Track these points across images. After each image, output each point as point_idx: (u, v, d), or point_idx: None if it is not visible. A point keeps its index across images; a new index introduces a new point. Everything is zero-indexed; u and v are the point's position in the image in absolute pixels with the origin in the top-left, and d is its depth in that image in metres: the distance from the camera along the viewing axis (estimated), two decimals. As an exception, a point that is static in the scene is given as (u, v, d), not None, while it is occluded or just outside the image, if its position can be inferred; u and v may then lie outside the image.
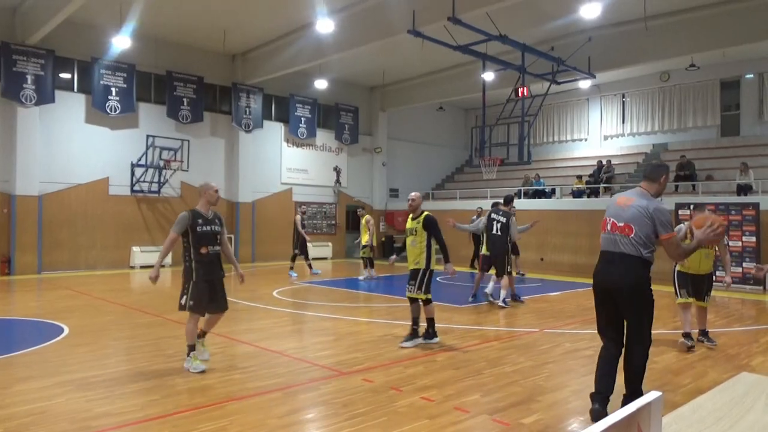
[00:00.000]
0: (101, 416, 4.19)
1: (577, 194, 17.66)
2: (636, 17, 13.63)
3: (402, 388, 4.98)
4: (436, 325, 6.94)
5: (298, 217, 14.88)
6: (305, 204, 19.84)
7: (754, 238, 13.14)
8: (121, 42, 14.19)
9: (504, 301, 9.72)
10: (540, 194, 18.33)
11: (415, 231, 6.74)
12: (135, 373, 5.42)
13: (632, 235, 3.98)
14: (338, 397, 4.75)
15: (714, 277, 7.05)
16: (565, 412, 4.54)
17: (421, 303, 6.77)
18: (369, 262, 13.74)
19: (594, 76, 15.64)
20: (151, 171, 16.18)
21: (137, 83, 16.01)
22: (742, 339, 7.38)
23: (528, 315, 9.15)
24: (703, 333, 6.98)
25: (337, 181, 20.91)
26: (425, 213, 6.79)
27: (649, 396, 1.28)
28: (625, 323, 4.12)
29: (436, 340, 6.84)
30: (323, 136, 20.60)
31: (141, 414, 4.25)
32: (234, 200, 18.11)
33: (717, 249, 6.88)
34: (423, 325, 6.90)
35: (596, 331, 4.37)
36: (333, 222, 20.90)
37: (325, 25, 13.43)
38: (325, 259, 19.57)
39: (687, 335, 6.70)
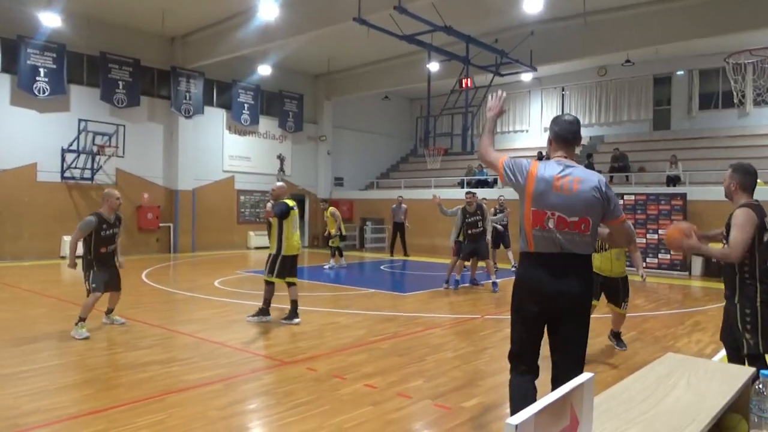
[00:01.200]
0: (31, 413, 3.99)
1: (518, 184, 18.08)
2: (576, 13, 14.03)
3: (345, 375, 4.99)
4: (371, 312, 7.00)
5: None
6: (247, 192, 19.52)
7: (680, 227, 13.86)
8: (50, 20, 13.40)
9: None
10: (482, 184, 18.69)
11: (271, 219, 7.38)
12: (68, 368, 5.19)
13: (589, 231, 2.90)
14: (281, 386, 4.71)
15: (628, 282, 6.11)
16: (504, 395, 4.64)
17: (284, 286, 7.35)
18: (338, 252, 14.09)
19: (535, 69, 16.02)
20: (83, 157, 15.43)
21: (68, 64, 15.19)
22: (668, 322, 7.80)
23: (470, 302, 9.34)
24: (616, 335, 6.28)
25: (281, 169, 20.61)
26: (280, 202, 7.26)
27: (582, 377, 1.33)
28: (560, 343, 3.03)
29: (296, 320, 7.21)
30: (267, 124, 20.23)
31: (74, 409, 4.08)
32: (173, 188, 17.55)
33: (628, 250, 5.91)
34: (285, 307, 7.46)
35: (509, 357, 3.16)
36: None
37: (269, 10, 13.13)
38: (267, 248, 19.27)
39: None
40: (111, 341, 6.16)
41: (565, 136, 3.04)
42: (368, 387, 4.68)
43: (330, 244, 14.13)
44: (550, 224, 2.88)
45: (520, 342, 3.09)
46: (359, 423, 3.90)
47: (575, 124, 3.07)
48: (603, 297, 6.03)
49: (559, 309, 2.96)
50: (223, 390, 4.59)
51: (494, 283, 10.52)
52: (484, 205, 10.71)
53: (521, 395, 3.06)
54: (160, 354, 5.70)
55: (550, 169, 2.94)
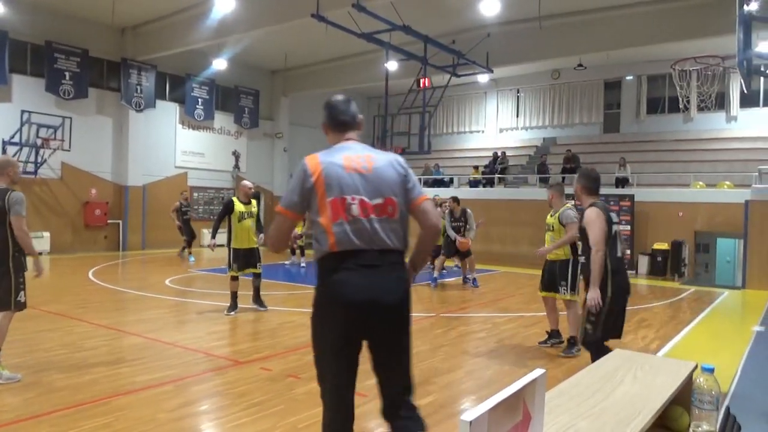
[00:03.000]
0: (-36, 419, 3.79)
1: (473, 184, 18.37)
2: (531, 17, 14.30)
3: (300, 375, 4.94)
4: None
5: (177, 203, 14.74)
6: (201, 189, 19.13)
7: (629, 227, 14.37)
8: (-10, 5, 12.78)
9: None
10: (439, 183, 18.87)
11: (253, 214, 7.85)
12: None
13: (397, 216, 2.45)
14: (234, 387, 4.63)
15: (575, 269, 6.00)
16: (459, 392, 4.73)
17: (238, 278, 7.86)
18: (301, 250, 14.16)
19: (491, 71, 16.25)
20: (26, 150, 14.76)
21: (10, 53, 14.48)
22: (616, 319, 8.05)
23: (425, 300, 9.41)
24: (571, 340, 5.96)
25: (236, 165, 20.27)
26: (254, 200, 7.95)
27: (534, 373, 1.35)
28: (383, 367, 2.57)
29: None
30: (222, 119, 19.84)
31: (12, 415, 3.89)
32: (123, 183, 17.00)
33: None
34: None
35: (332, 395, 2.63)
36: (232, 208, 20.26)
37: (225, 4, 12.88)
38: (222, 246, 18.93)
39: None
40: (54, 342, 5.91)
41: (344, 120, 2.61)
42: (323, 386, 4.64)
43: (299, 243, 14.14)
44: (354, 211, 2.38)
45: (336, 371, 2.50)
46: (314, 422, 3.86)
47: (350, 102, 2.66)
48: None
49: (376, 323, 2.41)
50: (173, 391, 4.47)
51: (474, 280, 11.11)
52: (468, 211, 10.87)
53: None
54: (107, 355, 5.51)
55: (335, 152, 2.51)
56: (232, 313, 7.61)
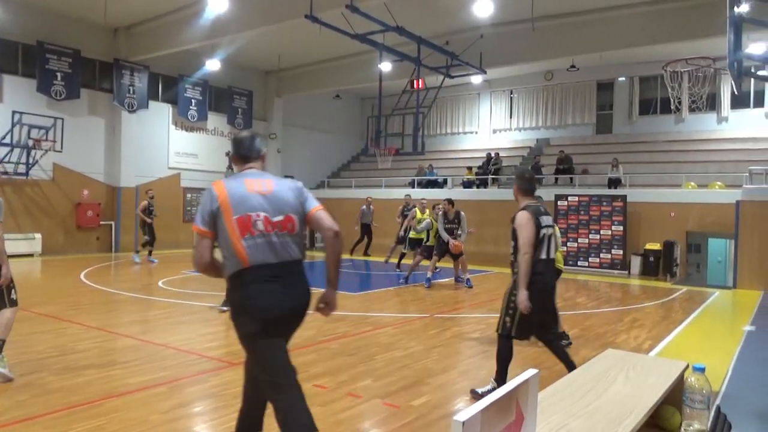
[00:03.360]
0: (-44, 422, 3.77)
1: (467, 185, 18.40)
2: (524, 18, 14.35)
3: (295, 376, 4.93)
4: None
5: (145, 203, 14.07)
6: (194, 190, 19.07)
7: (621, 227, 14.44)
8: (-19, 5, 12.69)
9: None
10: (432, 184, 18.89)
11: None
12: (-2, 373, 4.91)
13: (296, 231, 2.80)
14: (228, 388, 4.62)
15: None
16: (452, 392, 4.74)
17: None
18: None
19: (485, 72, 16.30)
20: (17, 151, 14.66)
21: (1, 53, 14.41)
22: (609, 319, 8.10)
23: (419, 301, 9.42)
24: None
25: (230, 166, 20.19)
26: None
27: (527, 374, 1.36)
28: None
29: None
30: (215, 120, 19.78)
31: (5, 417, 3.87)
32: (115, 185, 16.93)
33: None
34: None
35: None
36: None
37: (218, 4, 12.85)
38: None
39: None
40: (46, 344, 5.88)
41: (246, 154, 2.96)
42: (317, 387, 4.65)
43: None
44: (260, 226, 2.68)
45: (282, 379, 2.90)
46: (308, 423, 3.86)
47: (251, 138, 3.00)
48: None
49: (290, 326, 2.83)
50: (167, 393, 4.46)
51: (467, 280, 11.13)
52: (462, 213, 10.88)
53: None
54: (100, 357, 5.49)
55: (238, 178, 2.85)
56: (226, 308, 7.61)
